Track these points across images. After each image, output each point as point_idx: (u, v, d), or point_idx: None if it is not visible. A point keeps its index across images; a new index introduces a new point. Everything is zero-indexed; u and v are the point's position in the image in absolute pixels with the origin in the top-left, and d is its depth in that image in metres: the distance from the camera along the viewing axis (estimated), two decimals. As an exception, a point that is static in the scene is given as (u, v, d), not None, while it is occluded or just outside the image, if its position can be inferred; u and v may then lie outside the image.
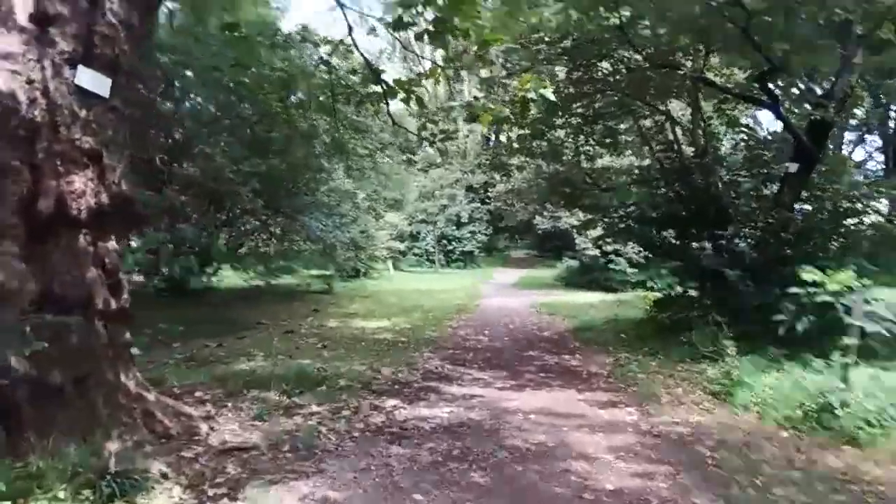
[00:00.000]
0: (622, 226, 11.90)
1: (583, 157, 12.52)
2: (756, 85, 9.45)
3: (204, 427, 5.07)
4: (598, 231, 21.62)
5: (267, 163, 11.31)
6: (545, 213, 24.11)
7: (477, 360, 8.82)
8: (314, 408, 5.89)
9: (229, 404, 5.97)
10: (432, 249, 36.56)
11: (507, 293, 21.40)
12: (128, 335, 5.20)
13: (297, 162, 11.89)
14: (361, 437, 5.06)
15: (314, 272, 22.13)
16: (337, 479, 4.18)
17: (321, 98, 9.47)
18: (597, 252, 22.07)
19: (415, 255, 37.95)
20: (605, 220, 12.36)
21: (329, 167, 13.66)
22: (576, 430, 5.40)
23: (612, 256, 21.82)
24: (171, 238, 12.87)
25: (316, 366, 7.56)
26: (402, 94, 6.90)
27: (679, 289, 11.25)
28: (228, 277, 18.55)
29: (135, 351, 7.63)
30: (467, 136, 41.84)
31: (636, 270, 22.77)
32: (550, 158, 13.02)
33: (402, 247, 30.21)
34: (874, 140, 25.37)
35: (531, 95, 5.83)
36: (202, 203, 11.40)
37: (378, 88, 7.48)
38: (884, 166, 23.96)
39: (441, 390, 6.86)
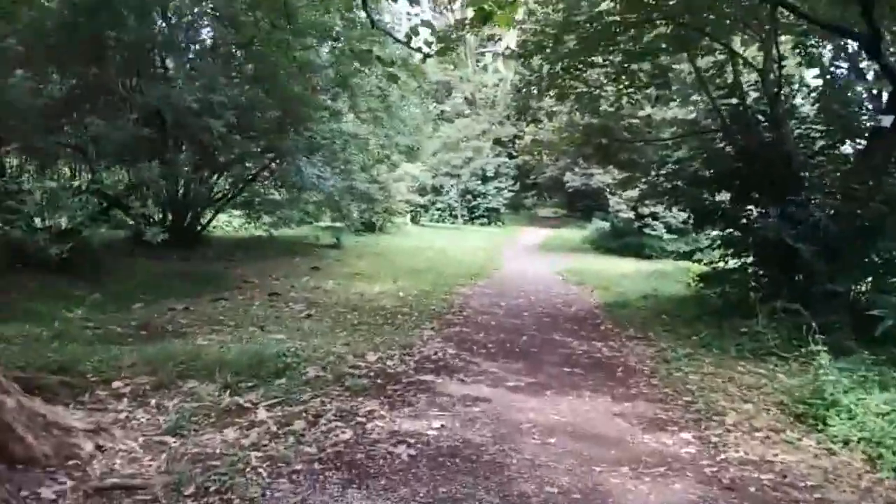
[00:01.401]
0: (668, 185, 10.08)
1: (625, 101, 10.61)
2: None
3: (88, 446, 3.62)
4: (636, 191, 19.91)
5: (247, 93, 9.64)
6: (576, 170, 22.17)
7: (487, 342, 7.26)
8: (260, 413, 4.42)
9: (151, 402, 4.54)
10: (455, 204, 34.89)
11: (531, 255, 19.75)
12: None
13: (290, 95, 10.23)
14: (307, 473, 3.56)
15: (325, 223, 20.77)
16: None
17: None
18: (631, 215, 20.18)
19: (437, 209, 36.40)
20: (647, 178, 10.53)
21: (334, 106, 11.93)
22: (613, 470, 3.83)
23: (649, 220, 19.96)
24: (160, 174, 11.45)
25: (287, 345, 6.07)
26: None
27: (733, 263, 9.57)
28: (232, 226, 17.26)
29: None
30: (497, 85, 39.62)
31: (675, 237, 21.00)
32: (586, 104, 11.16)
33: (422, 200, 28.52)
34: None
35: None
36: (165, 138, 9.82)
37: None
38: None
39: (436, 388, 5.33)
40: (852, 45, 9.33)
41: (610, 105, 10.87)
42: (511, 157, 37.61)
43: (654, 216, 19.86)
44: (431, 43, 4.42)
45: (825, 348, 5.16)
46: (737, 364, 6.42)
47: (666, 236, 20.34)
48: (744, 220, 9.24)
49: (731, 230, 9.38)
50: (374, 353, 6.23)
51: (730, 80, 9.82)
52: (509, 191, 36.70)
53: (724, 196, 9.71)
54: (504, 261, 17.41)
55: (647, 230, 20.23)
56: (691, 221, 10.42)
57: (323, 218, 20.10)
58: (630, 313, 9.47)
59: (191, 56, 9.58)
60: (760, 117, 9.29)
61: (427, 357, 6.38)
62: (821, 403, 4.71)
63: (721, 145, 9.66)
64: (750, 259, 9.00)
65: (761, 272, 8.90)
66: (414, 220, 30.36)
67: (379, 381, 5.41)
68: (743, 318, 7.93)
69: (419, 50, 4.45)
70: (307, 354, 5.88)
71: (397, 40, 6.24)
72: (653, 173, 10.50)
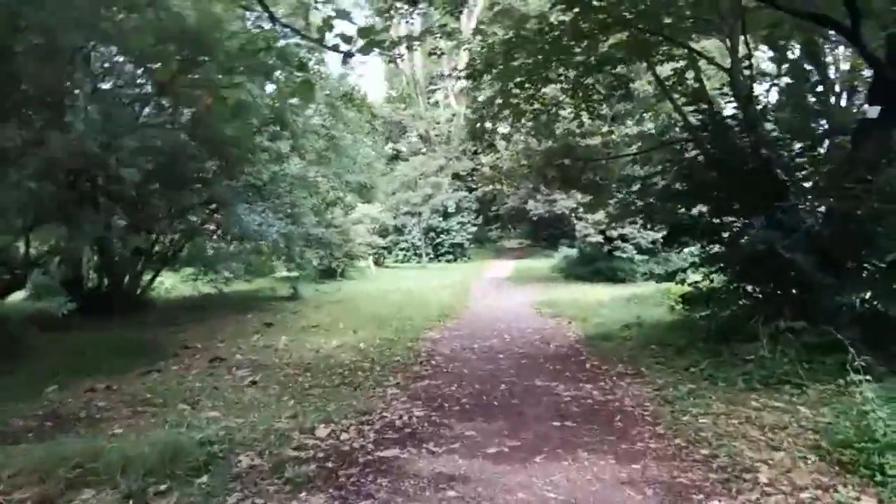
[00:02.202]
0: (640, 203, 9.32)
1: (584, 118, 9.91)
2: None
3: None
4: (602, 214, 19.30)
5: (165, 136, 8.62)
6: (538, 197, 21.54)
7: (461, 396, 6.27)
8: (166, 534, 3.36)
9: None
10: (419, 243, 34.03)
11: (501, 290, 18.87)
12: None
13: (222, 139, 9.25)
14: None
15: (283, 274, 19.63)
16: None
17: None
18: (600, 238, 19.52)
19: (401, 249, 35.48)
20: (617, 197, 9.77)
21: (274, 147, 10.95)
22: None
23: (619, 243, 19.32)
24: (94, 240, 10.28)
25: (218, 427, 5.01)
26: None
27: (718, 280, 8.83)
28: (180, 287, 16.05)
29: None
30: (450, 121, 39.31)
31: (646, 258, 20.39)
32: (543, 125, 10.47)
33: (383, 242, 27.56)
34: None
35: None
36: (77, 195, 8.69)
37: None
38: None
39: (401, 467, 4.32)
40: (820, 40, 8.80)
41: (568, 123, 10.18)
42: (471, 190, 37.07)
43: (623, 238, 19.24)
44: (352, 38, 3.52)
45: (867, 376, 4.31)
46: (749, 398, 5.57)
47: (637, 258, 19.70)
48: (726, 234, 8.55)
49: (713, 245, 8.66)
50: (326, 426, 5.19)
51: (694, 86, 9.22)
52: (472, 224, 36.03)
53: (700, 209, 9.03)
54: (473, 297, 16.48)
55: (617, 253, 19.57)
56: (666, 239, 9.66)
57: (279, 269, 19.02)
58: (615, 346, 8.59)
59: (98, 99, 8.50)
60: (731, 122, 8.66)
61: (390, 423, 5.35)
62: (872, 447, 3.84)
63: (692, 155, 8.99)
64: (736, 275, 8.23)
65: (753, 289, 8.13)
66: (377, 263, 29.35)
67: (329, 464, 4.38)
68: (742, 341, 7.13)
69: (336, 48, 3.54)
70: (242, 436, 4.83)
71: (306, 37, 5.37)
72: (622, 192, 9.78)
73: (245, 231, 10.60)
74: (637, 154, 9.36)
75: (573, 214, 19.26)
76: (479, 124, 10.28)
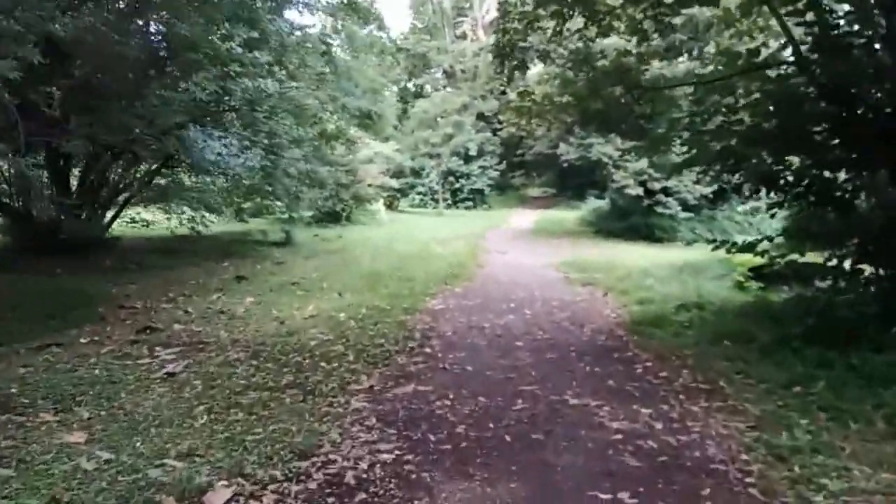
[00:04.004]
0: (718, 147, 6.95)
1: (648, 27, 7.48)
2: None
3: None
4: (643, 163, 16.85)
5: (75, 22, 6.28)
6: (571, 140, 19.06)
7: (457, 421, 4.21)
8: None
9: None
10: (437, 187, 31.77)
11: (522, 244, 16.71)
12: None
13: (172, 37, 7.00)
14: None
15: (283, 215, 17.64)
16: None
17: None
18: (639, 191, 17.08)
19: (418, 193, 33.35)
20: (685, 135, 7.36)
21: (245, 57, 8.57)
22: None
23: (661, 197, 16.90)
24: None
25: (62, 471, 3.04)
26: None
27: (813, 256, 6.65)
28: (156, 225, 14.06)
29: None
30: (477, 55, 36.35)
31: (690, 215, 18.00)
32: (591, 43, 8.04)
33: (396, 184, 25.34)
34: None
35: None
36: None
37: None
38: None
39: None
40: None
41: (624, 40, 7.77)
42: (495, 132, 34.45)
43: (667, 191, 16.82)
44: None
45: None
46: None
47: (682, 215, 17.32)
48: (838, 193, 6.26)
49: (819, 207, 6.39)
50: (231, 481, 3.18)
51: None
52: (494, 170, 33.62)
53: (801, 159, 6.72)
54: (490, 253, 14.35)
55: (658, 209, 17.17)
56: (750, 194, 7.38)
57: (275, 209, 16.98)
58: (672, 337, 6.43)
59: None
60: (856, 40, 6.24)
61: (335, 477, 3.33)
62: None
63: (798, 82, 6.59)
64: (856, 252, 5.99)
65: (876, 272, 5.89)
66: (391, 207, 27.26)
67: None
68: (861, 346, 5.01)
69: None
70: (86, 499, 2.85)
71: None
72: (694, 129, 7.38)
73: (197, 161, 8.43)
74: (716, 81, 6.93)
75: (611, 161, 16.86)
76: (508, 37, 7.82)
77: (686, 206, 17.24)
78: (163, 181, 11.90)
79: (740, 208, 18.01)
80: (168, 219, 12.29)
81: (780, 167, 6.41)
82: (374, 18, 15.25)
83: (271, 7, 8.44)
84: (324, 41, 10.86)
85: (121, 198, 11.65)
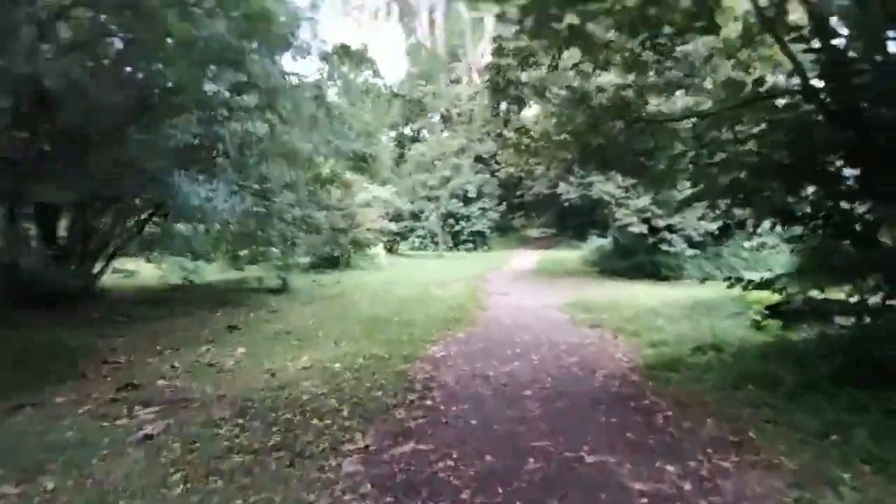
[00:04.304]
0: (726, 181, 6.64)
1: (649, 57, 7.26)
2: None
3: None
4: (644, 201, 16.61)
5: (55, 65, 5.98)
6: (571, 180, 18.88)
7: (461, 485, 3.78)
8: None
9: None
10: (436, 230, 31.56)
11: (525, 285, 16.32)
12: None
13: (155, 82, 6.69)
14: None
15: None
16: None
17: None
18: (642, 228, 16.78)
19: (417, 236, 33.12)
20: (692, 166, 7.05)
21: (237, 101, 8.36)
22: None
23: (665, 234, 16.59)
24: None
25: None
26: None
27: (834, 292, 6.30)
28: (146, 276, 13.65)
29: None
30: (473, 99, 36.65)
31: (696, 252, 17.66)
32: (588, 75, 7.83)
33: (395, 228, 25.09)
34: None
35: None
36: None
37: None
38: None
39: None
40: None
41: (624, 74, 7.54)
42: (493, 174, 34.44)
43: (671, 228, 16.51)
44: None
45: None
46: None
47: (689, 252, 16.98)
48: (858, 225, 5.92)
49: (838, 240, 6.05)
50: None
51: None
52: (494, 211, 33.47)
53: (814, 190, 6.40)
54: (493, 295, 13.95)
55: (662, 246, 16.84)
56: (755, 229, 7.04)
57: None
58: (691, 383, 5.99)
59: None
60: (864, 65, 5.99)
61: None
62: None
63: (806, 111, 6.32)
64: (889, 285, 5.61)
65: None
66: (391, 251, 26.95)
67: None
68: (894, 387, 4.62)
69: None
70: None
71: None
72: (689, 167, 7.10)
73: (181, 207, 8.10)
74: (720, 113, 6.66)
75: (613, 200, 16.60)
76: (502, 73, 7.60)
77: (691, 243, 16.92)
78: (154, 230, 11.62)
79: (746, 244, 17.69)
80: (159, 269, 11.94)
81: (795, 199, 6.08)
82: (367, 65, 15.21)
83: (261, 51, 8.26)
84: (317, 85, 10.71)
85: (111, 248, 11.32)
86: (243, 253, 14.75)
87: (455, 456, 4.22)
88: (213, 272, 16.54)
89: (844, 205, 6.08)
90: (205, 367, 6.96)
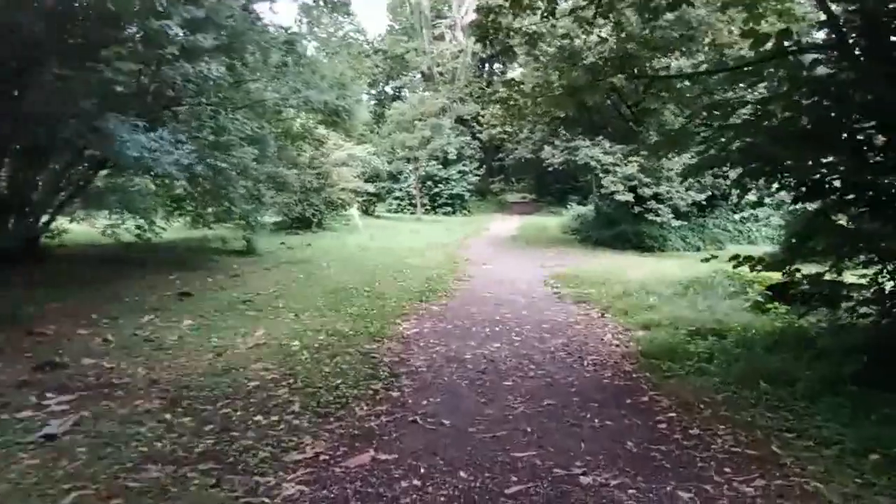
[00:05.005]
0: (737, 144, 5.83)
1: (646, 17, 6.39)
2: None
3: None
4: (632, 168, 15.86)
5: None
6: (557, 143, 18.01)
7: (430, 515, 3.06)
8: None
9: None
10: (414, 192, 30.61)
11: (505, 253, 15.61)
12: None
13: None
14: None
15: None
16: None
17: None
18: (629, 197, 16.03)
19: (395, 198, 32.18)
20: (703, 132, 6.22)
21: (189, 40, 7.23)
22: None
23: (652, 203, 15.90)
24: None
25: None
26: None
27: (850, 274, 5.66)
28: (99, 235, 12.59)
29: None
30: (457, 57, 35.33)
31: (682, 223, 17.04)
32: (588, 24, 6.91)
33: (372, 188, 24.10)
34: None
35: None
36: None
37: None
38: None
39: None
40: None
41: (629, 22, 6.66)
42: (475, 136, 33.42)
43: (658, 198, 15.81)
44: None
45: None
46: None
47: (674, 223, 16.34)
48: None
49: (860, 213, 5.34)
50: None
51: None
52: (474, 174, 32.52)
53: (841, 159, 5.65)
54: (471, 263, 13.20)
55: (648, 216, 16.15)
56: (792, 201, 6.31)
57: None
58: (695, 377, 5.30)
59: None
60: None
61: None
62: None
63: (836, 70, 5.54)
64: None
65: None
66: (367, 212, 25.98)
67: None
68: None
69: None
70: None
71: None
72: (701, 130, 6.31)
73: (118, 157, 7.04)
74: (743, 67, 5.85)
75: (599, 166, 15.82)
76: (492, 16, 6.66)
77: (678, 214, 16.28)
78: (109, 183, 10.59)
79: (737, 216, 17.15)
80: (92, 227, 10.98)
81: (824, 170, 5.33)
82: (345, 12, 14.00)
83: None
84: (287, 30, 9.63)
85: (56, 203, 10.28)
86: (210, 211, 13.74)
87: (423, 471, 3.47)
88: (179, 230, 15.55)
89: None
90: (142, 342, 6.10)
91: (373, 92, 41.88)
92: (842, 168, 5.20)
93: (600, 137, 16.26)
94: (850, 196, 5.21)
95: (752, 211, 16.69)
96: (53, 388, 4.68)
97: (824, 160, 5.35)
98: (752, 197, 15.71)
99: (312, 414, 4.29)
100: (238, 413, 4.26)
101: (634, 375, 5.42)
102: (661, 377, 5.29)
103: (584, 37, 7.23)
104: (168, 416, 4.16)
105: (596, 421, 4.31)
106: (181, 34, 7.21)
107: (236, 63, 8.67)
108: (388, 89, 43.01)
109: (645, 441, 3.96)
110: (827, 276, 5.69)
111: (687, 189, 15.92)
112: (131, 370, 5.18)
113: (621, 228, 17.04)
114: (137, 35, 6.80)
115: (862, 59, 5.38)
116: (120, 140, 6.41)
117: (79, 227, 12.04)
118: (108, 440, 3.75)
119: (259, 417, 4.18)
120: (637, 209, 16.14)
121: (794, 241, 6.59)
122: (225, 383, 4.85)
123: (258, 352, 5.82)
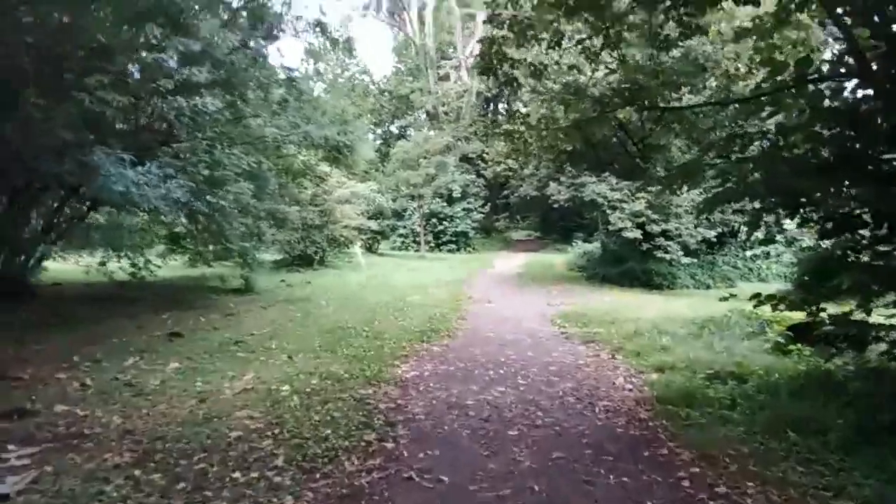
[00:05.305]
0: (756, 177, 5.50)
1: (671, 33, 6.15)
2: None
3: None
4: (640, 205, 15.57)
5: None
6: (562, 180, 17.76)
7: None
8: None
9: None
10: (418, 230, 30.38)
11: (510, 291, 15.20)
12: None
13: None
14: None
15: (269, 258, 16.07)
16: None
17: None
18: (637, 234, 15.68)
19: (399, 236, 31.93)
20: (717, 163, 5.89)
21: (182, 74, 7.05)
22: None
23: (660, 240, 15.54)
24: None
25: None
26: None
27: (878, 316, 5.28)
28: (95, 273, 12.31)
29: None
30: (461, 97, 35.56)
31: (690, 261, 16.65)
32: (594, 57, 6.68)
33: (376, 226, 23.85)
34: None
35: None
36: None
37: None
38: None
39: None
40: None
41: (638, 52, 6.44)
42: (479, 174, 33.36)
43: (667, 234, 15.47)
44: None
45: None
46: None
47: (685, 260, 15.97)
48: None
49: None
50: None
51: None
52: (479, 212, 32.34)
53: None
54: (474, 302, 12.81)
55: (657, 253, 15.76)
56: (820, 237, 5.95)
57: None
58: (717, 426, 4.86)
59: None
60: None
61: None
62: None
63: (854, 98, 5.26)
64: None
65: None
66: (370, 250, 25.71)
67: None
68: None
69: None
70: None
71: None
72: (715, 162, 5.99)
73: (100, 191, 6.73)
74: (760, 97, 5.57)
75: (606, 202, 15.51)
76: (495, 47, 6.43)
77: (687, 251, 15.91)
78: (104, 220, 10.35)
79: (748, 253, 16.77)
80: (77, 265, 10.71)
81: (853, 203, 4.99)
82: (345, 49, 14.01)
83: (224, 25, 6.98)
84: (291, 70, 9.50)
85: (49, 239, 10.02)
86: (210, 249, 13.47)
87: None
88: (178, 268, 15.28)
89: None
90: (122, 386, 5.72)
91: (378, 131, 42.08)
92: (872, 201, 4.86)
93: (606, 174, 16.04)
94: (884, 231, 4.84)
95: (763, 248, 16.30)
96: (18, 439, 4.30)
97: (854, 192, 5.03)
98: (760, 234, 15.34)
99: (297, 469, 3.89)
100: (214, 469, 3.86)
101: (651, 424, 4.99)
102: (681, 426, 4.87)
103: (590, 72, 6.99)
104: (138, 472, 3.77)
105: (611, 477, 3.89)
106: (175, 67, 7.01)
107: (236, 99, 8.49)
108: (393, 128, 43.23)
109: (667, 501, 3.54)
110: (854, 316, 5.34)
111: (696, 226, 15.59)
112: (105, 418, 4.79)
113: (629, 265, 16.65)
114: (130, 67, 6.60)
115: (887, 85, 5.10)
116: (105, 174, 6.15)
117: (75, 266, 11.81)
118: (67, 500, 3.37)
119: (237, 474, 3.79)
120: (645, 246, 15.78)
121: (806, 278, 6.25)
122: (204, 434, 4.46)
123: (245, 397, 5.43)
